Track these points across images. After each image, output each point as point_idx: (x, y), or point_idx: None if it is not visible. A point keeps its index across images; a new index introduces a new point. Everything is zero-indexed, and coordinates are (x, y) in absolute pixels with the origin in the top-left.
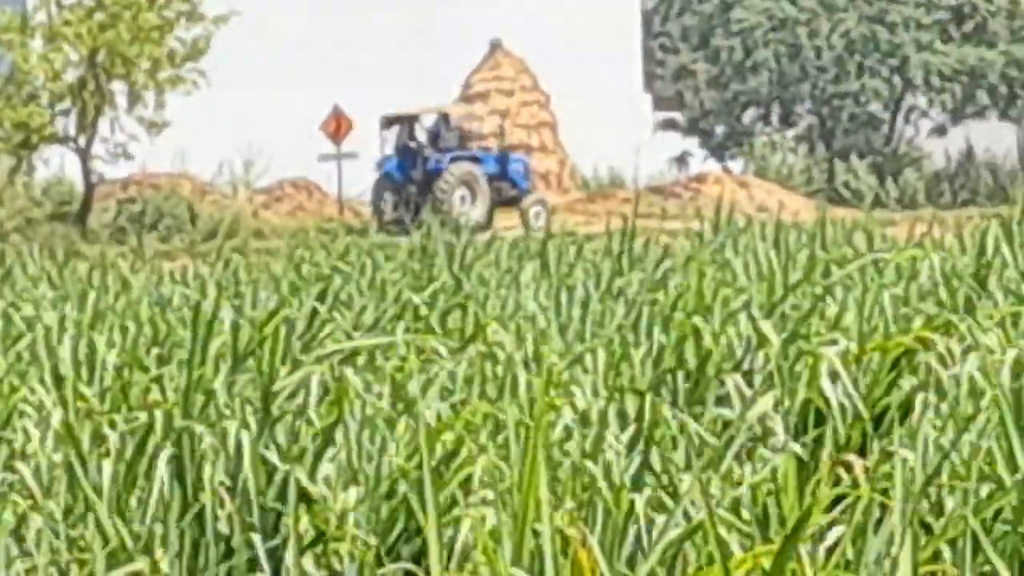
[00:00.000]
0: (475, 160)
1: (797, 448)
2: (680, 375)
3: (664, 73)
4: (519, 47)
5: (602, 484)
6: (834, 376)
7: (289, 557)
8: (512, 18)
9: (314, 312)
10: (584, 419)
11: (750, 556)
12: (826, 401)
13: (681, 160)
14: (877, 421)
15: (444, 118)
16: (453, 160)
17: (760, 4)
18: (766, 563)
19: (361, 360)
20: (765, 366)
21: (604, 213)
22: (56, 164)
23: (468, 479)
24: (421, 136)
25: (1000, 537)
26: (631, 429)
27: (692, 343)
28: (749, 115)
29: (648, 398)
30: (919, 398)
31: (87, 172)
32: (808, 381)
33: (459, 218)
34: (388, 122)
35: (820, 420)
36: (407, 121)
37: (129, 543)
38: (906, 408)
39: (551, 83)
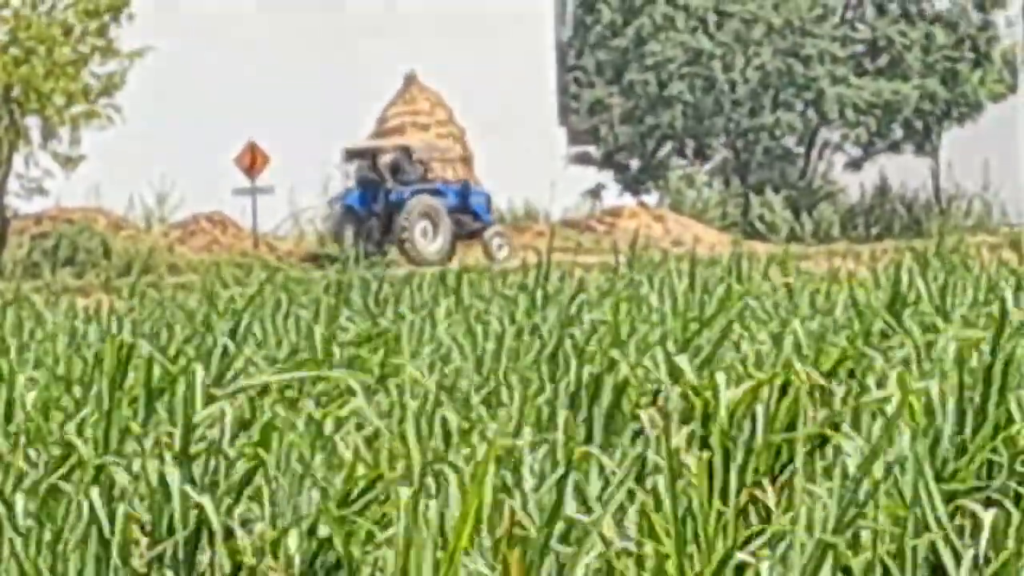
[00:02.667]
0: (437, 193)
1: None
2: (596, 409)
3: (579, 107)
4: (434, 80)
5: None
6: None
7: None
8: (427, 51)
9: (226, 348)
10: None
11: None
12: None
13: (595, 194)
14: (789, 454)
15: (406, 151)
16: (415, 193)
17: (675, 38)
18: None
19: (274, 396)
20: (680, 400)
21: (519, 247)
22: None
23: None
24: (384, 169)
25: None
26: (548, 463)
27: (608, 378)
28: (664, 149)
29: (561, 433)
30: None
31: (1, 208)
32: (713, 414)
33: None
34: (350, 155)
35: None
36: (369, 154)
37: None
38: (821, 441)
39: (465, 116)
